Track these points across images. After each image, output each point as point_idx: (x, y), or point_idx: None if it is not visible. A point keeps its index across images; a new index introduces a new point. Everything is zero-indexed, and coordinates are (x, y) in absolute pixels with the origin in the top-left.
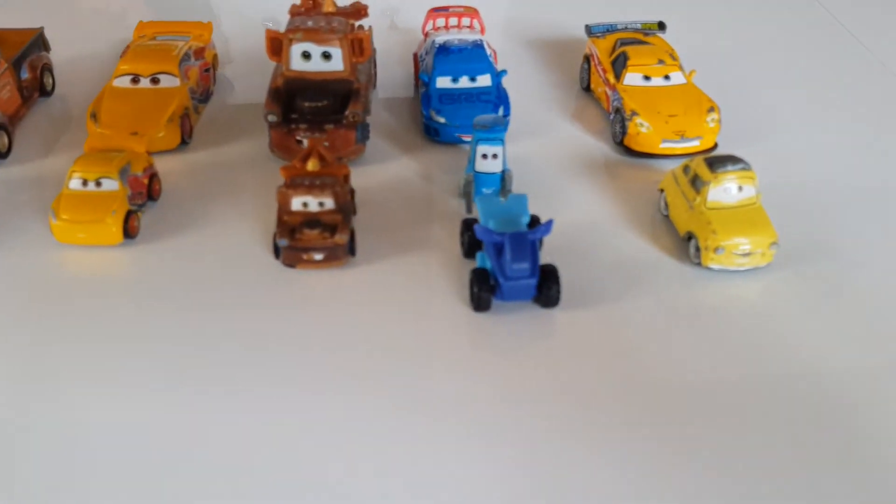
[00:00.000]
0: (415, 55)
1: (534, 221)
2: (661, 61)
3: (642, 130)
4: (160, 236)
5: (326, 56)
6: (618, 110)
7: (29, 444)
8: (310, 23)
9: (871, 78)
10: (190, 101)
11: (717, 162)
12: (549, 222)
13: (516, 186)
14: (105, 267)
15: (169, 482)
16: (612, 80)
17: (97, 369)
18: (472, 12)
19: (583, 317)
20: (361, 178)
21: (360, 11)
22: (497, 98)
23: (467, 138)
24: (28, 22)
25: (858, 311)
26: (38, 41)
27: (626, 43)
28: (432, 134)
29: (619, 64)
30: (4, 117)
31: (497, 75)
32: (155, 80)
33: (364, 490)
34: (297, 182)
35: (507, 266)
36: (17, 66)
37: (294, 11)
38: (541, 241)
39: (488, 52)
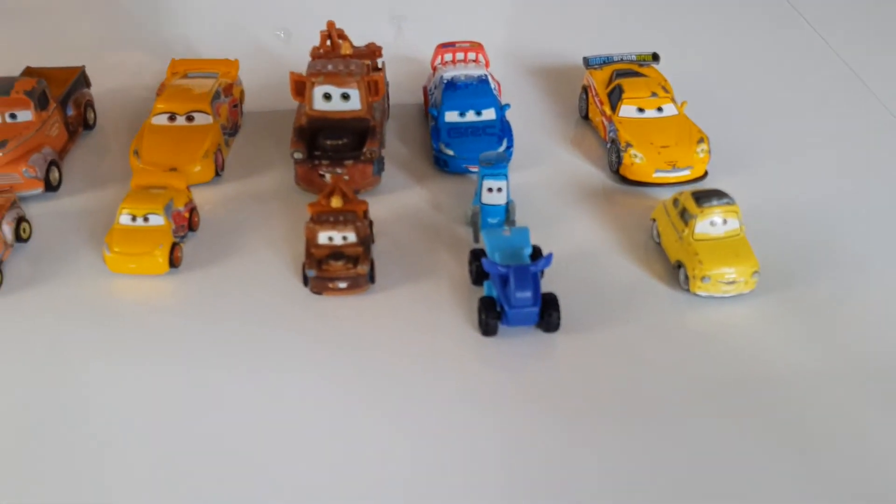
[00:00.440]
0: (424, 88)
1: (535, 252)
2: (654, 94)
3: (636, 161)
4: (200, 265)
5: (345, 97)
6: (613, 141)
7: (79, 451)
8: (330, 66)
9: (861, 106)
10: (221, 136)
11: (703, 197)
12: (549, 256)
13: (519, 213)
14: (152, 294)
15: (195, 494)
16: (608, 111)
17: (142, 386)
18: (477, 47)
19: (582, 340)
20: (377, 206)
21: (374, 52)
22: (501, 131)
23: (474, 169)
24: (61, 57)
25: (836, 333)
26: (80, 78)
27: (622, 74)
28: (441, 165)
29: (615, 96)
30: (55, 153)
31: (501, 109)
32: (190, 118)
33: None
34: (322, 218)
35: (512, 296)
36: (63, 103)
37: (315, 54)
38: (542, 272)
39: (493, 85)
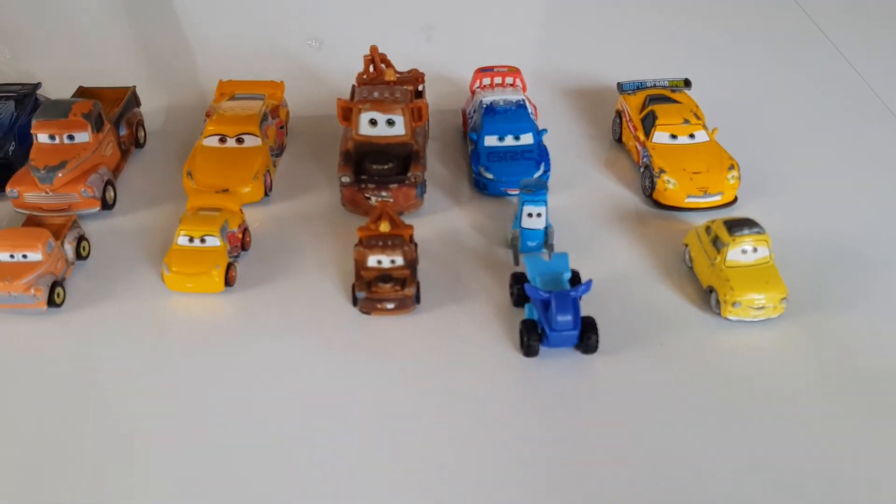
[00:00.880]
0: (463, 111)
1: (574, 276)
2: (686, 121)
3: (669, 187)
4: (252, 283)
5: (390, 122)
6: (647, 167)
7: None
8: (376, 94)
9: (890, 132)
10: (270, 158)
11: (735, 226)
12: (589, 282)
13: (556, 236)
14: (208, 311)
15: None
16: (641, 137)
17: (198, 399)
18: (514, 72)
19: (618, 360)
20: (420, 228)
21: (417, 79)
22: (539, 155)
23: (512, 192)
24: (107, 75)
25: (858, 358)
26: (132, 98)
27: (655, 100)
28: (481, 188)
29: (649, 122)
30: (110, 173)
31: (538, 134)
32: (240, 140)
33: None
34: (371, 242)
35: (554, 320)
36: (116, 123)
37: (360, 81)
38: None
39: (530, 109)
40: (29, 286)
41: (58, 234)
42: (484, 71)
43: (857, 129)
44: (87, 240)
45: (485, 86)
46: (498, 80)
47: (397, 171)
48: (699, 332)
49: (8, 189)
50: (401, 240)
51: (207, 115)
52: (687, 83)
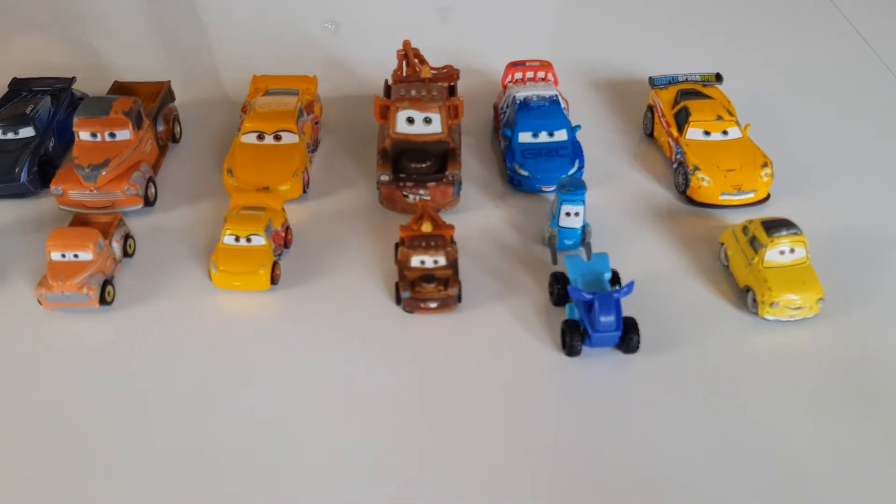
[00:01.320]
0: (495, 106)
1: (614, 276)
2: (719, 117)
3: (703, 184)
4: (296, 281)
5: (427, 121)
6: (681, 163)
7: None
8: (413, 92)
9: None
10: (307, 154)
11: (773, 227)
12: (631, 284)
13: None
14: (255, 309)
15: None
16: (675, 133)
17: (244, 393)
18: (546, 66)
19: (658, 359)
20: (457, 225)
21: (452, 75)
22: (573, 152)
23: (547, 189)
24: (137, 69)
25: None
26: (167, 93)
27: (687, 94)
28: (515, 184)
29: (682, 118)
30: (151, 170)
31: (572, 130)
32: (277, 137)
33: None
34: (415, 243)
35: (597, 321)
36: (154, 119)
37: (396, 78)
38: None
39: (563, 104)
40: (81, 285)
41: (105, 232)
42: (516, 65)
43: (889, 125)
44: (132, 237)
45: (516, 80)
46: (530, 74)
47: (435, 169)
48: (736, 332)
49: (52, 187)
50: (443, 240)
51: (243, 111)
52: (718, 77)
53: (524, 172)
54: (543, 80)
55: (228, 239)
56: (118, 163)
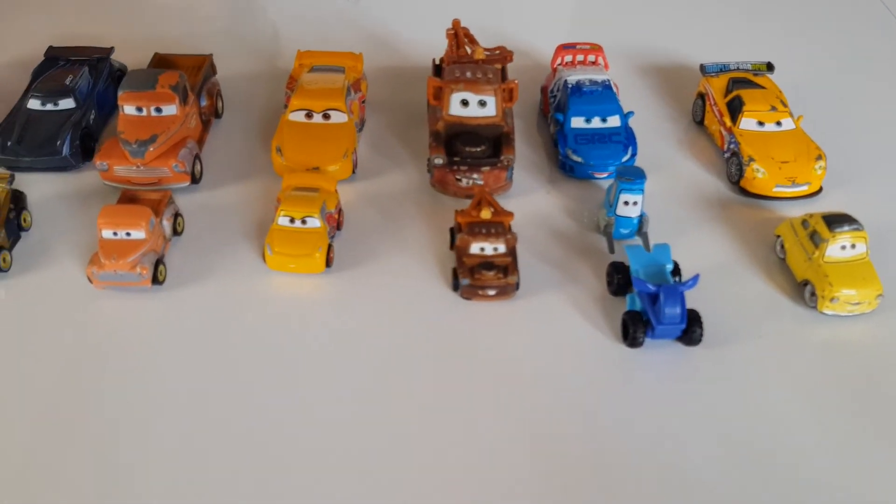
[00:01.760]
0: (544, 88)
1: (676, 267)
2: (773, 108)
3: (758, 175)
4: (350, 264)
5: (482, 104)
6: (734, 153)
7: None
8: (468, 73)
9: None
10: (356, 134)
11: (834, 221)
12: (696, 277)
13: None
14: (310, 291)
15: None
16: (728, 122)
17: (302, 375)
18: (597, 49)
19: (720, 353)
20: (511, 210)
21: (505, 57)
22: (626, 139)
23: (599, 175)
24: (174, 41)
25: None
26: (210, 67)
27: (738, 83)
28: (567, 170)
29: (735, 107)
30: (196, 146)
31: (625, 116)
32: (326, 116)
33: None
34: (475, 230)
35: (662, 313)
36: (198, 94)
37: (449, 59)
38: None
39: (614, 90)
40: (134, 264)
41: (156, 210)
42: (566, 48)
43: None
44: (181, 216)
45: (567, 63)
46: (580, 57)
47: (489, 153)
48: (795, 326)
49: (97, 161)
50: (502, 227)
51: (289, 88)
52: (770, 67)
53: (577, 158)
54: (594, 63)
55: (283, 220)
56: (165, 138)
